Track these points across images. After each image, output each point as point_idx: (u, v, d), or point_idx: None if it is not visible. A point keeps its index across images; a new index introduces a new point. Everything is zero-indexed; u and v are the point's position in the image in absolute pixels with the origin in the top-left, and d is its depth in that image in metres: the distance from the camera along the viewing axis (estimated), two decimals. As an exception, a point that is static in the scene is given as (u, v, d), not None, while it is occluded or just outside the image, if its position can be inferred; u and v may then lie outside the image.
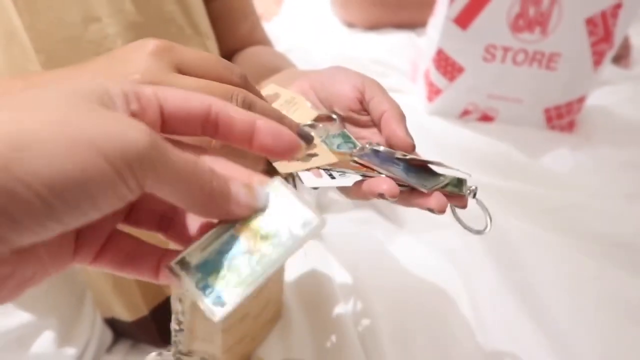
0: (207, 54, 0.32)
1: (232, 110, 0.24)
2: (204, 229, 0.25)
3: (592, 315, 0.57)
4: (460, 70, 0.88)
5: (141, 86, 0.22)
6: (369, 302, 0.59)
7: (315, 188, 0.34)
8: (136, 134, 0.18)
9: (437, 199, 0.33)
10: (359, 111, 0.40)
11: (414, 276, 0.63)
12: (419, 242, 0.69)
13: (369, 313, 0.57)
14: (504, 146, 0.82)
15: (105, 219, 0.22)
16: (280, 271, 0.54)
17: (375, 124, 0.39)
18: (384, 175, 0.34)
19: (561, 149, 0.87)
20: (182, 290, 0.22)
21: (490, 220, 0.35)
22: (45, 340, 0.50)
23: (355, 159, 0.36)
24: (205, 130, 0.24)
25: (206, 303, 0.21)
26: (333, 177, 0.33)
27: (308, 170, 0.34)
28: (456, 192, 0.35)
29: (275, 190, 0.25)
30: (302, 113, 0.39)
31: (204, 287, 0.22)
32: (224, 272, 0.22)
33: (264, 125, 0.24)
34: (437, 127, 0.87)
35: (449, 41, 0.86)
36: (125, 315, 0.53)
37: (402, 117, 0.38)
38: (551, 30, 0.83)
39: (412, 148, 0.37)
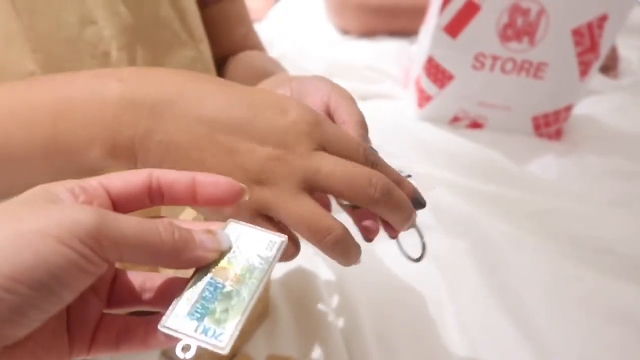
0: (349, 135, 0.33)
1: (169, 172, 0.26)
2: (176, 283, 0.27)
3: (570, 316, 0.59)
4: (450, 77, 0.90)
5: (86, 179, 0.24)
6: (353, 301, 0.60)
7: None
8: (81, 213, 0.20)
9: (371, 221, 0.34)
10: None
11: (398, 276, 0.65)
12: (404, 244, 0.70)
13: (353, 311, 0.58)
14: (492, 152, 0.83)
15: (89, 307, 0.25)
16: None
17: None
18: None
19: (548, 156, 0.89)
20: (183, 342, 0.23)
21: (424, 250, 0.36)
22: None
23: None
24: (154, 200, 0.26)
25: (210, 342, 0.23)
26: None
27: None
28: None
29: (233, 230, 0.27)
30: None
31: (203, 331, 0.23)
32: (215, 310, 0.24)
33: (203, 178, 0.26)
34: (426, 133, 0.89)
35: (439, 49, 0.88)
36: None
37: (360, 127, 0.37)
38: (539, 40, 0.85)
39: None
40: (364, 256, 0.68)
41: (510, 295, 0.61)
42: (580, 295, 0.61)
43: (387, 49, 1.14)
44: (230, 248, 0.26)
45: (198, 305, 0.24)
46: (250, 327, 0.56)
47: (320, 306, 0.58)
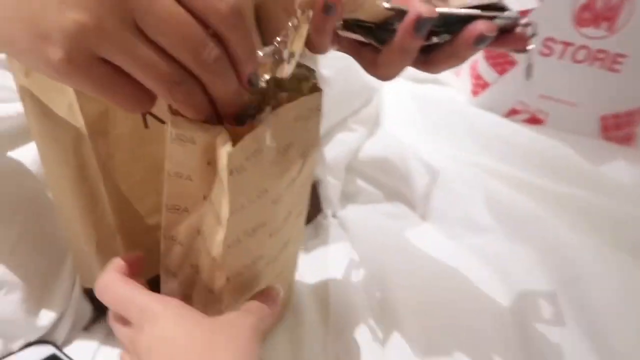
0: None
1: None
2: None
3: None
4: (512, 63, 0.81)
5: None
6: (391, 303, 0.51)
7: None
8: None
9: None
10: None
11: (446, 279, 0.55)
12: (456, 245, 0.60)
13: (391, 314, 0.49)
14: (557, 144, 0.75)
15: None
16: (294, 250, 0.46)
17: None
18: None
19: (618, 161, 0.79)
20: None
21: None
22: (10, 303, 0.42)
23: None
24: None
25: None
26: None
27: None
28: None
29: None
30: None
31: None
32: None
33: None
34: (481, 119, 0.81)
35: (503, 30, 0.79)
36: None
37: None
38: (619, 27, 0.75)
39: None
40: (407, 256, 0.58)
41: (586, 314, 0.50)
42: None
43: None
44: None
45: None
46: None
47: (353, 305, 0.49)
